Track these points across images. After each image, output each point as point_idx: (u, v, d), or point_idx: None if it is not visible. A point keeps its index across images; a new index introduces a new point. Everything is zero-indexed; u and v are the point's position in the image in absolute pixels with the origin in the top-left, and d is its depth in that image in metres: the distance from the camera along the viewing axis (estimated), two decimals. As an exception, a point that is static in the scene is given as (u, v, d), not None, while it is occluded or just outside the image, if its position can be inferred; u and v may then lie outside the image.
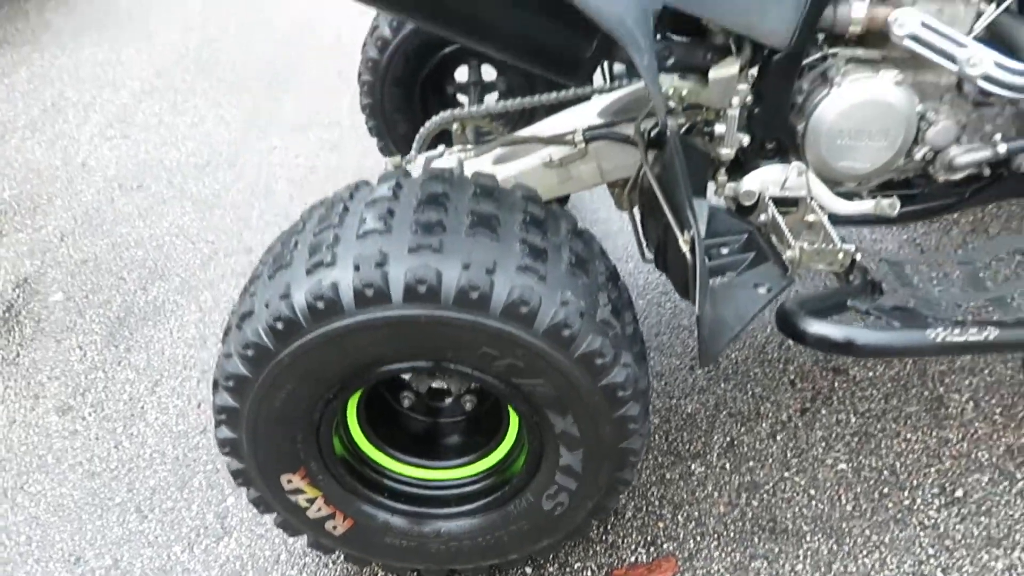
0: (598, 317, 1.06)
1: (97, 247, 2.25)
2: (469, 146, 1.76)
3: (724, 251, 1.44)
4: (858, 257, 1.32)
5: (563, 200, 1.76)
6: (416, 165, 1.58)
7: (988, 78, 1.32)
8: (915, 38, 1.32)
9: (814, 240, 1.40)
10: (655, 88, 1.06)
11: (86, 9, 4.02)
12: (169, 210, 2.40)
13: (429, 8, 1.33)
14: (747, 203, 1.49)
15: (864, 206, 1.49)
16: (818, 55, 1.41)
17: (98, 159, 2.69)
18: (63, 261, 2.20)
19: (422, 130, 1.87)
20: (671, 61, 1.40)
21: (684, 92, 1.40)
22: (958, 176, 1.49)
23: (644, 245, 1.53)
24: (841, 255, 1.31)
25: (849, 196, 1.54)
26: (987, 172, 1.50)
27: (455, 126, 1.80)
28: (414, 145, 1.89)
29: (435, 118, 1.84)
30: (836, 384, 1.73)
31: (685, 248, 1.19)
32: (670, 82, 1.40)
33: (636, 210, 1.55)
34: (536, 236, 1.08)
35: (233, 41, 3.55)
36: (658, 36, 1.39)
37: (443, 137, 1.87)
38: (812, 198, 1.45)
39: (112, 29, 3.78)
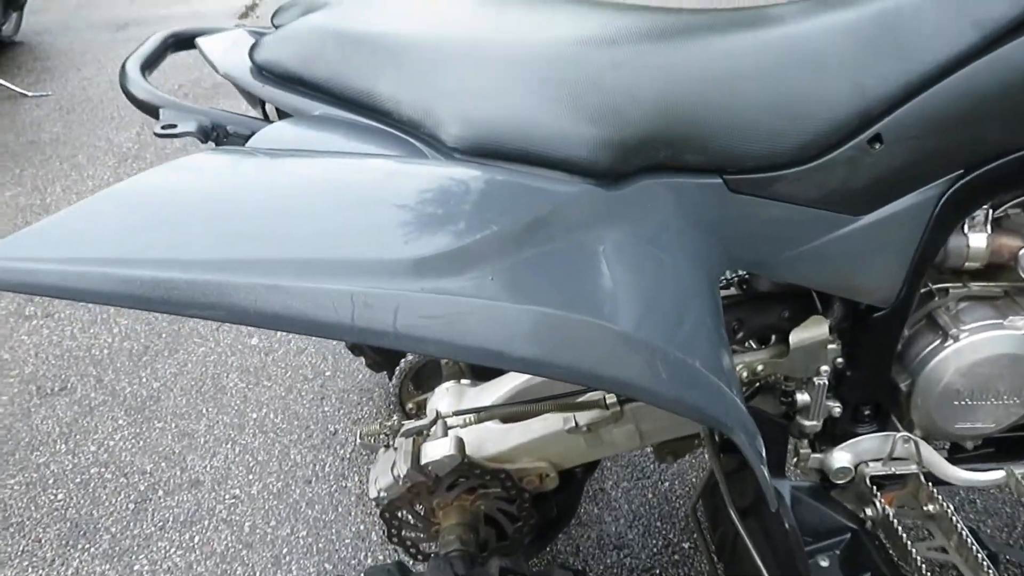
0: None
1: (7, 489, 1.83)
2: (464, 381, 1.39)
3: (824, 563, 1.09)
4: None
5: (593, 465, 1.40)
6: (402, 452, 1.20)
7: None
8: (1058, 279, 0.99)
9: (943, 546, 1.06)
10: (762, 477, 0.71)
11: (8, 138, 3.62)
12: (97, 424, 1.99)
13: None
14: (839, 481, 1.14)
15: (992, 477, 1.16)
16: (922, 290, 1.07)
17: (14, 350, 2.28)
18: (-37, 514, 1.78)
19: (404, 363, 1.51)
20: (740, 334, 1.05)
21: (759, 368, 1.06)
22: (1104, 424, 1.16)
23: (720, 572, 1.17)
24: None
25: (961, 449, 1.21)
26: None
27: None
28: (394, 380, 1.53)
29: (418, 350, 1.48)
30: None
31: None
32: (740, 359, 1.05)
33: (700, 511, 1.19)
34: None
35: (173, 174, 3.17)
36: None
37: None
38: (927, 478, 1.11)
39: (36, 162, 3.38)
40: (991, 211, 1.01)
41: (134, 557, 1.65)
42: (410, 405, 1.53)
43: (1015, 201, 1.02)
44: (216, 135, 0.91)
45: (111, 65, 4.37)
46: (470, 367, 1.45)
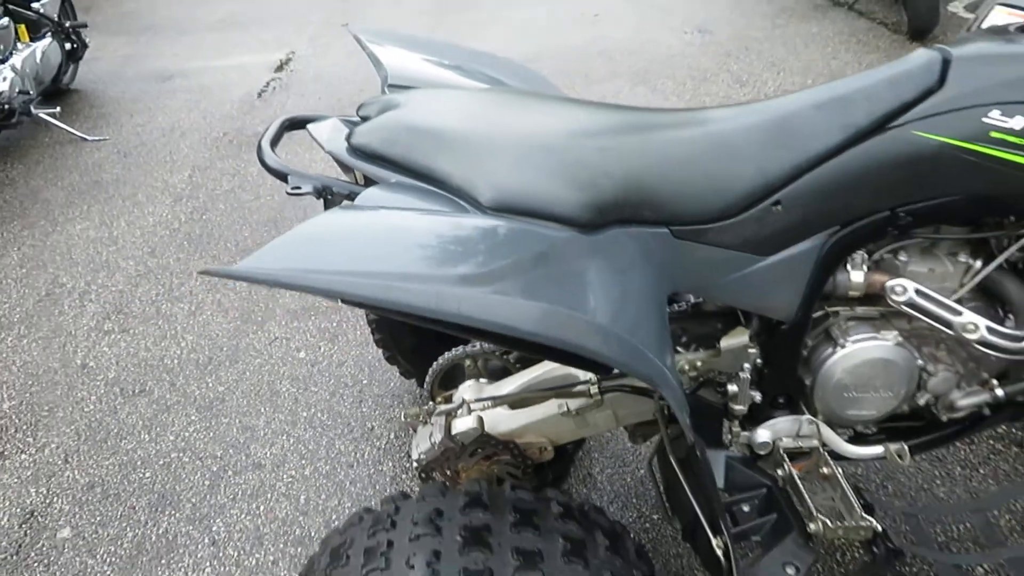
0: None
1: (103, 468, 2.23)
2: (483, 380, 1.80)
3: (745, 508, 1.49)
4: (879, 529, 1.36)
5: (580, 442, 1.80)
6: (436, 426, 1.61)
7: (983, 342, 1.40)
8: (912, 304, 1.39)
9: (832, 497, 1.46)
10: (683, 417, 1.11)
11: (74, 178, 4.08)
12: (174, 419, 2.40)
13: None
14: (762, 452, 1.54)
15: (874, 451, 1.55)
16: (820, 313, 1.48)
17: (97, 359, 2.70)
18: (69, 487, 2.17)
19: (435, 367, 1.92)
20: (684, 339, 1.47)
21: (698, 363, 1.47)
22: (960, 415, 1.56)
23: (668, 510, 1.57)
24: (863, 531, 1.35)
25: (862, 436, 1.61)
26: (987, 410, 1.57)
27: (467, 361, 1.84)
28: (427, 381, 1.93)
29: (448, 355, 1.89)
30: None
31: (719, 552, 1.22)
32: (684, 357, 1.46)
33: (656, 469, 1.59)
34: (579, 566, 1.11)
35: (223, 213, 3.61)
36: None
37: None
38: (824, 449, 1.51)
39: (102, 200, 3.83)
40: (867, 254, 1.42)
41: (212, 521, 2.04)
42: (439, 399, 1.93)
43: (886, 248, 1.43)
44: (326, 193, 1.33)
45: (160, 114, 4.86)
46: (487, 369, 1.86)
